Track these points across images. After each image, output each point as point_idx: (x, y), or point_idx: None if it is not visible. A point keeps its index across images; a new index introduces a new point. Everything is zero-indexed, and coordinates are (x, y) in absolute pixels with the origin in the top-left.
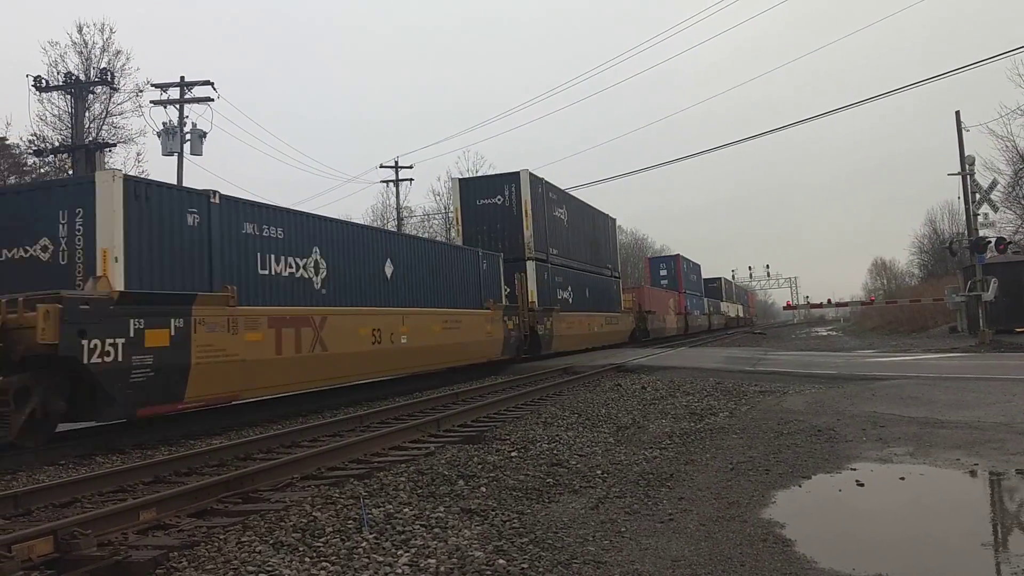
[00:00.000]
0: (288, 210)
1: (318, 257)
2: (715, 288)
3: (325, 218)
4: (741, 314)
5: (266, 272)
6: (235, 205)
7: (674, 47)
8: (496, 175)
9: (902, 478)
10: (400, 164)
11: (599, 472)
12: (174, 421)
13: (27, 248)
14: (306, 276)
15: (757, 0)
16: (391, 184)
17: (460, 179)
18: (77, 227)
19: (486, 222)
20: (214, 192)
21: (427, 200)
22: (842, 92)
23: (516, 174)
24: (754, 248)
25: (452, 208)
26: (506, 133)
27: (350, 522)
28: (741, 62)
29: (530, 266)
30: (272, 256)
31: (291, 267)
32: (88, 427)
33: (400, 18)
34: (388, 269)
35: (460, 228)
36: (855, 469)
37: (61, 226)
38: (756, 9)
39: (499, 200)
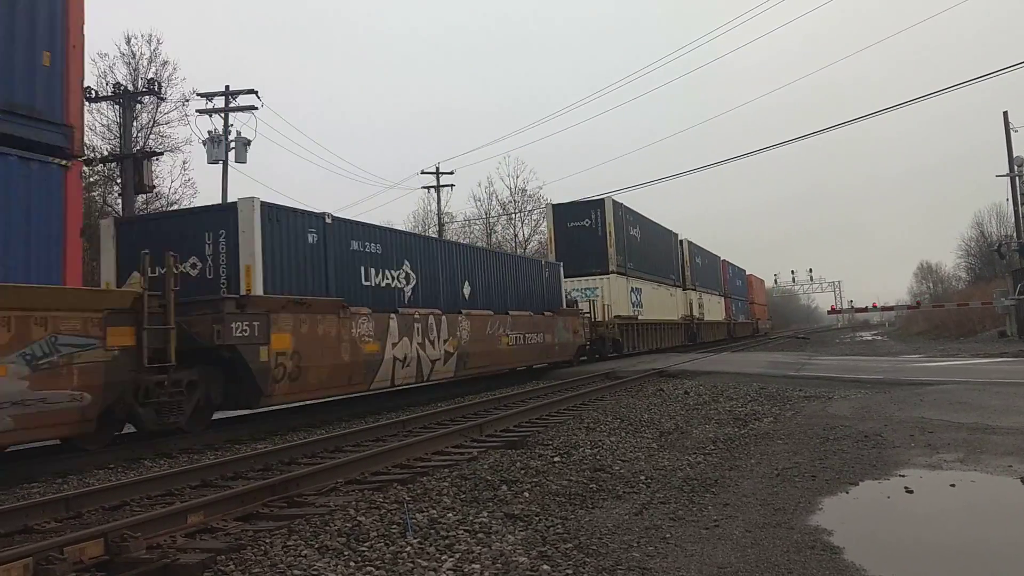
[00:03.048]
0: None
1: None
2: (581, 231)
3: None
4: (722, 316)
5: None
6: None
7: (719, 48)
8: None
9: (952, 485)
10: (441, 171)
11: (642, 477)
12: (219, 427)
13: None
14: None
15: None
16: (432, 190)
17: None
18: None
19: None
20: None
21: (468, 205)
22: (888, 94)
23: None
24: (797, 252)
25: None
26: (552, 136)
27: (394, 527)
28: (786, 64)
29: None
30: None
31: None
32: (132, 434)
33: (442, 18)
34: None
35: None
36: (904, 476)
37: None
38: (800, 11)
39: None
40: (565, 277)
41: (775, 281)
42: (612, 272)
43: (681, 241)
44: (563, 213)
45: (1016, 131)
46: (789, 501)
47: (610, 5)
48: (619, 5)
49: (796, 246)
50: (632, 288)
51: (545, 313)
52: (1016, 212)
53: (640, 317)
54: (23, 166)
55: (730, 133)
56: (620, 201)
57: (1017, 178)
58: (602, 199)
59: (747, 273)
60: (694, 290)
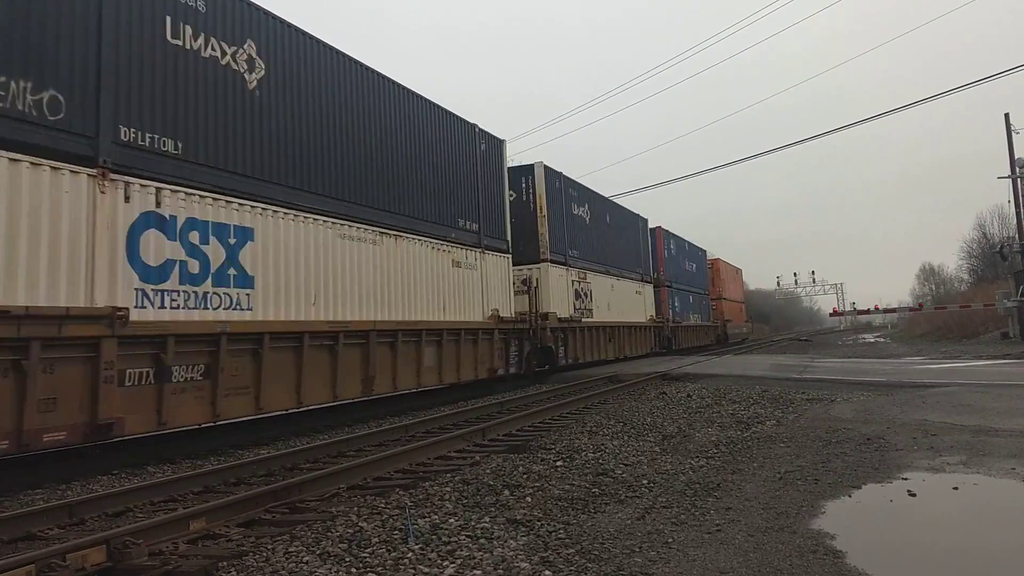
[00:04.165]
0: None
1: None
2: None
3: None
4: (646, 315)
5: None
6: None
7: (726, 51)
8: None
9: (955, 488)
10: None
11: (645, 482)
12: (221, 431)
13: None
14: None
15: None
16: None
17: None
18: None
19: None
20: None
21: None
22: (895, 95)
23: None
24: (799, 254)
25: None
26: (559, 139)
27: (396, 532)
28: (794, 66)
29: None
30: None
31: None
32: (138, 438)
33: (441, 15)
34: None
35: None
36: (906, 479)
37: None
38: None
39: None
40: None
41: (777, 283)
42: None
43: (531, 168)
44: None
45: (1017, 133)
46: (792, 505)
47: (618, 10)
48: (627, 11)
49: (799, 248)
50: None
51: None
52: (1018, 214)
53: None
54: None
55: (737, 134)
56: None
57: (1018, 180)
58: None
59: (710, 256)
60: (561, 265)
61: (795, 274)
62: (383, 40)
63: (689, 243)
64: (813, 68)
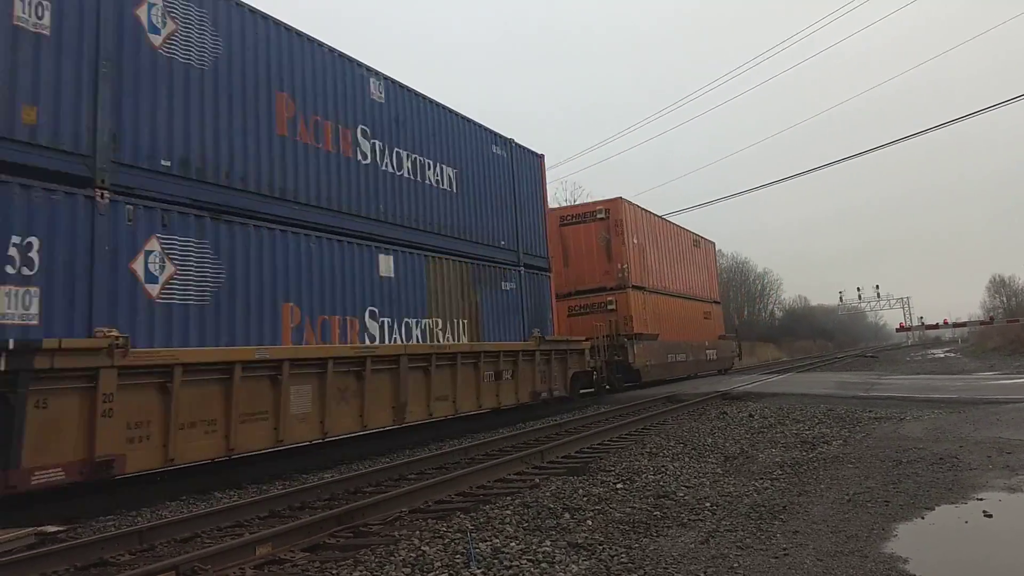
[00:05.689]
0: None
1: None
2: None
3: None
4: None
5: None
6: None
7: (785, 60)
8: None
9: None
10: None
11: (708, 504)
12: (286, 456)
13: None
14: None
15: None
16: None
17: None
18: None
19: None
20: None
21: None
22: (958, 100)
23: None
24: (862, 268)
25: None
26: (614, 157)
27: (458, 556)
28: (843, 76)
29: None
30: None
31: None
32: (207, 464)
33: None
34: None
35: None
36: (981, 499)
37: None
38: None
39: None
40: None
41: (840, 298)
42: None
43: None
44: None
45: None
46: (861, 528)
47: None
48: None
49: (861, 261)
50: None
51: None
52: None
53: None
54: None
55: (804, 141)
56: None
57: None
58: None
59: (602, 197)
60: None
61: (858, 289)
62: (425, 55)
63: (416, 93)
64: (887, 69)
